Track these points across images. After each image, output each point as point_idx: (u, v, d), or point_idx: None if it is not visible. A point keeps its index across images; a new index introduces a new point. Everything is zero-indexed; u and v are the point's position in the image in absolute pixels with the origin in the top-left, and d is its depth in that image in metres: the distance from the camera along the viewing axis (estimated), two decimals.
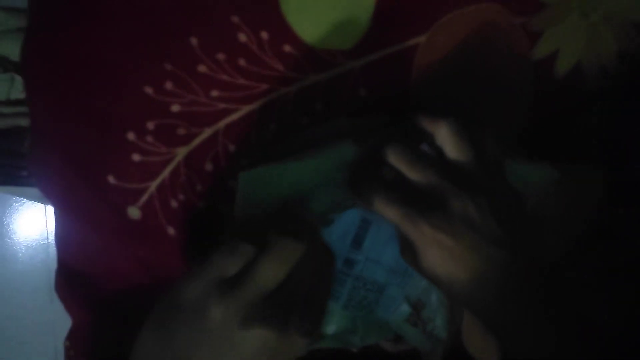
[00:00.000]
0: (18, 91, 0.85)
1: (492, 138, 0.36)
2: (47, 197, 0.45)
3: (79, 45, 0.39)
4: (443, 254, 0.33)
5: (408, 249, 0.35)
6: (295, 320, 0.32)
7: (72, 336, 0.57)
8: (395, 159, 0.35)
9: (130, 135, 0.39)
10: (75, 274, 0.46)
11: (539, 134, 0.42)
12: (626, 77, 0.44)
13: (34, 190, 0.91)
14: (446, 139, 0.34)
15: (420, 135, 0.35)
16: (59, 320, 1.02)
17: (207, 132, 0.40)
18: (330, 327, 0.38)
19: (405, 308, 0.40)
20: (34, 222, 1.02)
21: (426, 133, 0.35)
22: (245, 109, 0.40)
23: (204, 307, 0.31)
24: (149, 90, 0.39)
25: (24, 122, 0.87)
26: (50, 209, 1.00)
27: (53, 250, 1.07)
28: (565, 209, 0.42)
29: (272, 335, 0.31)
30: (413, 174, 0.34)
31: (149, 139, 0.39)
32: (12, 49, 0.82)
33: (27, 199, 0.93)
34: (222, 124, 0.40)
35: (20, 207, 1.01)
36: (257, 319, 0.31)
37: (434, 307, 0.40)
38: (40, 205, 1.00)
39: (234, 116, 0.40)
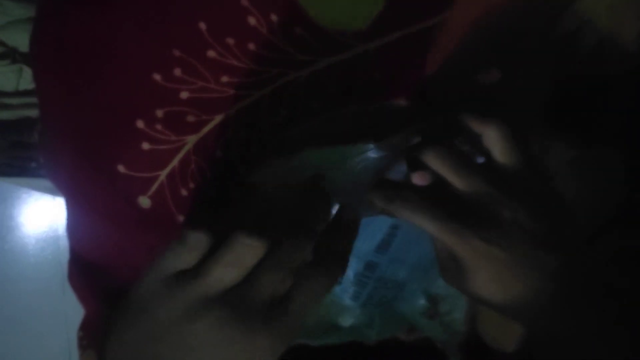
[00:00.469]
0: (27, 82, 0.86)
1: (539, 141, 0.35)
2: (57, 187, 0.45)
3: (87, 33, 0.39)
4: (498, 270, 0.32)
5: (451, 269, 0.33)
6: (257, 320, 0.29)
7: (85, 326, 0.58)
8: (437, 163, 0.33)
9: (140, 124, 0.39)
10: (87, 263, 0.47)
11: (559, 116, 0.42)
12: None
13: (44, 182, 0.92)
14: (496, 141, 0.32)
15: (457, 134, 0.34)
16: (72, 311, 1.04)
17: (217, 119, 0.40)
18: (347, 321, 0.38)
19: (422, 301, 0.40)
20: (44, 214, 1.03)
21: (470, 133, 0.33)
22: (256, 95, 0.39)
23: (148, 305, 0.29)
24: (157, 77, 0.38)
25: (32, 113, 0.88)
26: (60, 201, 1.01)
27: (64, 242, 1.09)
28: (584, 192, 0.41)
29: (230, 332, 0.28)
30: (458, 181, 0.32)
31: (159, 127, 0.39)
32: (20, 40, 0.82)
33: (36, 190, 0.94)
34: (232, 110, 0.40)
35: (29, 199, 1.02)
36: (206, 314, 0.28)
37: (452, 299, 0.40)
38: (50, 197, 1.01)
39: (244, 102, 0.40)
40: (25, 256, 1.01)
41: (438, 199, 0.32)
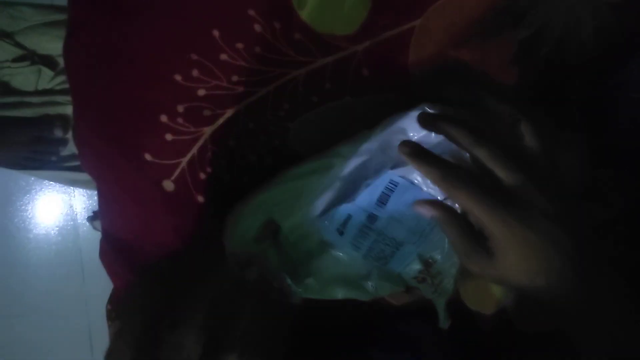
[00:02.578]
0: (45, 82, 0.89)
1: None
2: (90, 174, 0.50)
3: (116, 40, 0.44)
4: (525, 251, 0.33)
5: (474, 255, 0.35)
6: None
7: (113, 299, 0.63)
8: (481, 150, 0.34)
9: (163, 118, 0.45)
10: (118, 242, 0.51)
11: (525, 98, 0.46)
12: (602, 51, 0.48)
13: (64, 174, 0.96)
14: (530, 129, 0.35)
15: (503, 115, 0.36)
16: (91, 296, 1.09)
17: (229, 113, 0.45)
18: (352, 269, 0.43)
19: (416, 265, 0.43)
20: (64, 205, 1.07)
21: (512, 114, 0.36)
22: (262, 91, 0.45)
23: None
24: (178, 77, 0.44)
25: (51, 110, 0.92)
26: (78, 192, 1.06)
27: (83, 231, 1.13)
28: (560, 172, 0.44)
29: None
30: (499, 169, 0.33)
31: (180, 120, 0.45)
32: (39, 43, 0.86)
33: (57, 182, 0.99)
34: (242, 105, 0.45)
35: (50, 191, 1.06)
36: None
37: (445, 265, 0.43)
38: (69, 189, 1.05)
39: (252, 98, 0.45)
40: (47, 244, 1.05)
41: (476, 176, 0.34)
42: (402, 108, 0.40)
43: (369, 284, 0.44)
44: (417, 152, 0.36)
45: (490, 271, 0.34)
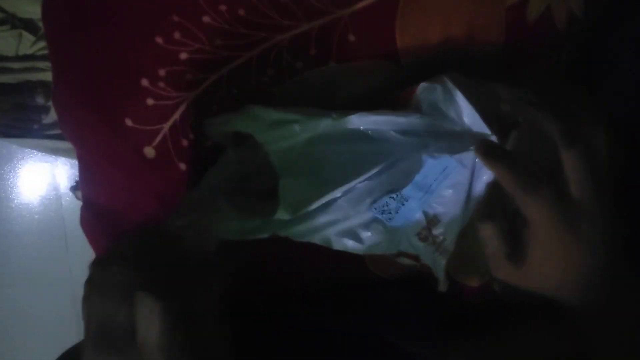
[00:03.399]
0: (26, 47, 0.87)
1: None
2: (71, 140, 0.49)
3: (95, 0, 0.43)
4: (555, 246, 0.35)
5: (504, 264, 0.37)
6: None
7: None
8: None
9: (144, 82, 0.44)
10: (100, 209, 0.51)
11: (510, 76, 0.46)
12: (592, 21, 0.47)
13: (45, 142, 0.95)
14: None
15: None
16: (75, 265, 1.08)
17: (212, 78, 0.44)
18: (355, 220, 0.42)
19: (420, 220, 0.42)
20: (46, 173, 1.06)
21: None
22: (245, 56, 0.44)
23: None
24: (159, 40, 0.43)
25: (33, 76, 0.90)
26: (61, 161, 1.05)
27: (66, 200, 1.13)
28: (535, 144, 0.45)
29: None
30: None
31: (161, 84, 0.44)
32: (19, 6, 0.84)
33: (38, 150, 0.97)
34: (225, 70, 0.44)
35: (32, 159, 1.05)
36: None
37: (448, 225, 0.42)
38: (52, 157, 1.03)
39: (236, 62, 0.44)
40: (30, 213, 1.04)
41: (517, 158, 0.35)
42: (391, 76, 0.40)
43: (367, 234, 0.42)
44: (493, 153, 0.37)
45: (514, 277, 0.36)
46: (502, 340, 0.43)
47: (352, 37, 0.44)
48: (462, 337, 0.45)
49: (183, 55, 0.43)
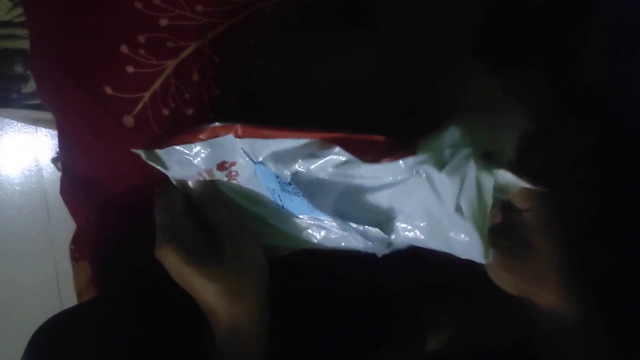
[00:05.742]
0: (3, 13, 0.85)
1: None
2: (49, 107, 0.49)
3: None
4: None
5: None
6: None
7: (76, 239, 0.63)
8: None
9: (124, 48, 0.43)
10: (79, 178, 0.51)
11: (490, 46, 0.47)
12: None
13: (25, 112, 0.93)
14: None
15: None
16: (57, 237, 1.08)
17: (193, 45, 0.43)
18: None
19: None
20: (27, 144, 1.04)
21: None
22: (227, 23, 0.43)
23: None
24: (138, 5, 0.42)
25: (11, 45, 0.88)
26: (42, 132, 1.03)
27: (47, 172, 1.11)
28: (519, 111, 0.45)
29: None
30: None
31: (141, 51, 0.43)
32: None
33: (18, 121, 0.96)
34: (206, 37, 0.43)
35: (12, 130, 1.03)
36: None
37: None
38: (32, 128, 1.02)
39: (217, 30, 0.43)
40: (10, 184, 1.03)
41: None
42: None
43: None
44: None
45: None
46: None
47: (333, 7, 0.44)
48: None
49: (163, 22, 0.42)
